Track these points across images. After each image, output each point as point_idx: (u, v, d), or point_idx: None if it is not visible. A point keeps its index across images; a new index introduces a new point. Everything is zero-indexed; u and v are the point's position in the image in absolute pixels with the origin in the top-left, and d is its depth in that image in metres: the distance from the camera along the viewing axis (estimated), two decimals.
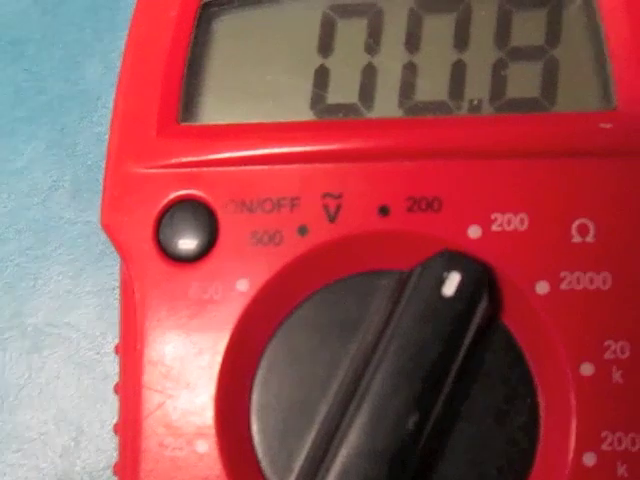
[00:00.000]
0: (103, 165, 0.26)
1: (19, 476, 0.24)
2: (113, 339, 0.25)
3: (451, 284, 0.17)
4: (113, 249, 0.25)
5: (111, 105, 0.26)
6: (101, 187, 0.25)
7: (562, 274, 0.17)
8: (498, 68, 0.19)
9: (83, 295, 0.25)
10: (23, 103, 0.26)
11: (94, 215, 0.25)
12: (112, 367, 0.24)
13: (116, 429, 0.20)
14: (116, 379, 0.20)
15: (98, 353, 0.24)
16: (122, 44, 0.26)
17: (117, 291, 0.25)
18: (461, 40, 0.19)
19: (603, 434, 0.17)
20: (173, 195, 0.19)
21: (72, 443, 0.24)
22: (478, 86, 0.19)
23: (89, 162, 0.26)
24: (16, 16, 0.27)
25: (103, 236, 0.25)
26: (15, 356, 0.25)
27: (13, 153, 0.26)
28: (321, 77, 0.20)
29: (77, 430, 0.24)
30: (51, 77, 0.26)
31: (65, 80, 0.26)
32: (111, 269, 0.25)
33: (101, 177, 0.25)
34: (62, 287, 0.25)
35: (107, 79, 0.26)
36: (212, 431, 0.18)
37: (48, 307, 0.25)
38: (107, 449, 0.24)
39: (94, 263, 0.25)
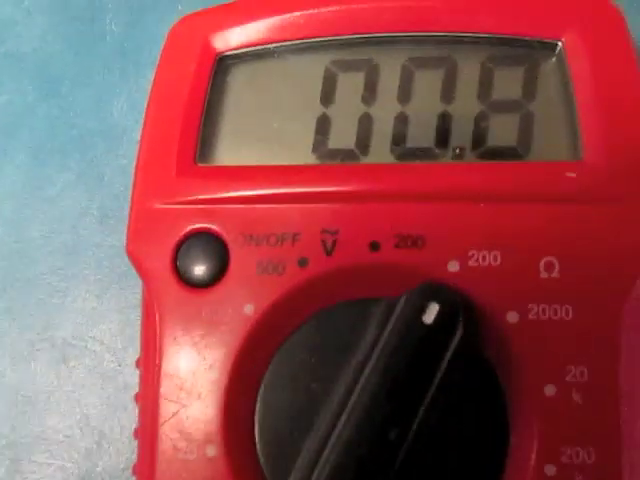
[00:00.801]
0: (128, 194, 0.29)
1: (46, 474, 0.27)
2: (133, 352, 0.27)
3: (431, 313, 0.19)
4: (134, 271, 0.27)
5: (135, 139, 0.29)
6: (126, 214, 0.28)
7: (530, 305, 0.20)
8: (480, 119, 0.22)
9: (107, 312, 0.27)
10: (56, 137, 0.29)
11: (119, 239, 0.28)
12: (132, 378, 0.27)
13: (136, 434, 0.22)
14: (135, 389, 0.23)
15: (119, 365, 0.27)
16: (146, 84, 0.29)
17: (138, 309, 0.27)
18: (447, 93, 0.22)
19: (563, 448, 0.19)
20: (190, 228, 0.21)
21: (95, 446, 0.26)
22: (461, 135, 0.22)
23: (115, 191, 0.28)
24: (52, 57, 0.29)
25: (126, 259, 0.27)
26: (45, 366, 0.27)
27: (46, 182, 0.28)
28: (322, 125, 0.22)
29: (99, 434, 0.26)
30: (82, 113, 0.29)
31: (94, 116, 0.28)
32: (133, 289, 0.27)
33: (126, 205, 0.28)
34: (88, 304, 0.27)
35: (132, 116, 0.28)
36: (220, 437, 0.20)
37: (75, 322, 0.27)
38: (126, 452, 0.26)
39: (117, 283, 0.27)
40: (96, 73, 0.29)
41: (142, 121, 0.28)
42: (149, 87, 0.28)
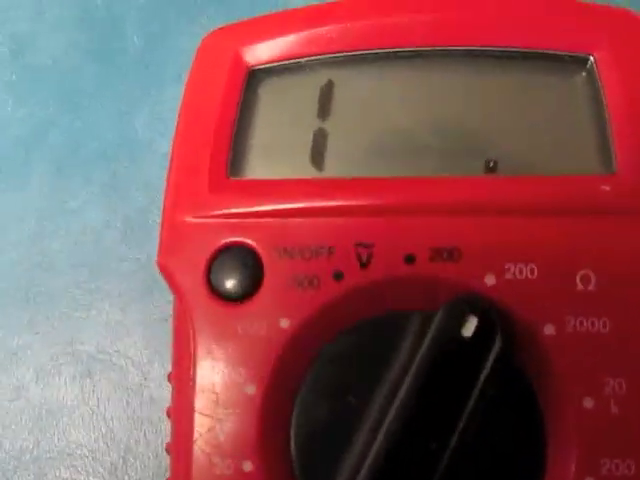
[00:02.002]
0: (151, 207, 0.29)
1: None
2: (159, 366, 0.27)
3: (469, 326, 0.19)
4: (160, 284, 0.27)
5: (159, 153, 0.29)
6: (149, 227, 0.28)
7: (567, 318, 0.20)
8: (511, 133, 0.22)
9: (131, 325, 0.27)
10: (79, 149, 0.29)
11: (143, 252, 0.28)
12: (157, 392, 0.27)
13: (168, 449, 0.22)
14: (161, 403, 0.23)
15: (145, 379, 0.27)
16: (169, 97, 0.29)
17: (163, 323, 0.27)
18: (479, 107, 0.22)
19: (602, 460, 0.19)
20: (223, 242, 0.21)
21: (120, 461, 0.26)
22: (493, 149, 0.22)
23: (139, 204, 0.28)
24: (72, 70, 0.29)
25: (151, 272, 0.27)
26: (69, 380, 0.27)
27: (69, 195, 0.28)
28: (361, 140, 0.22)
29: (125, 449, 0.26)
30: (104, 126, 0.29)
31: (117, 129, 0.29)
32: (157, 302, 0.27)
33: (150, 218, 0.28)
34: (113, 318, 0.27)
35: (155, 128, 0.29)
36: (256, 452, 0.20)
37: (100, 336, 0.27)
38: (152, 467, 0.26)
39: (142, 296, 0.27)
40: (118, 86, 0.29)
41: (165, 134, 0.29)
42: (172, 100, 0.28)
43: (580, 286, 0.20)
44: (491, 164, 0.21)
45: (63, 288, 0.28)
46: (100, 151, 0.29)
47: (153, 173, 0.28)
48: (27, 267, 0.28)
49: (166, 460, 0.22)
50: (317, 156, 0.22)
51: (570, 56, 0.22)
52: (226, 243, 0.21)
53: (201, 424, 0.21)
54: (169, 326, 0.27)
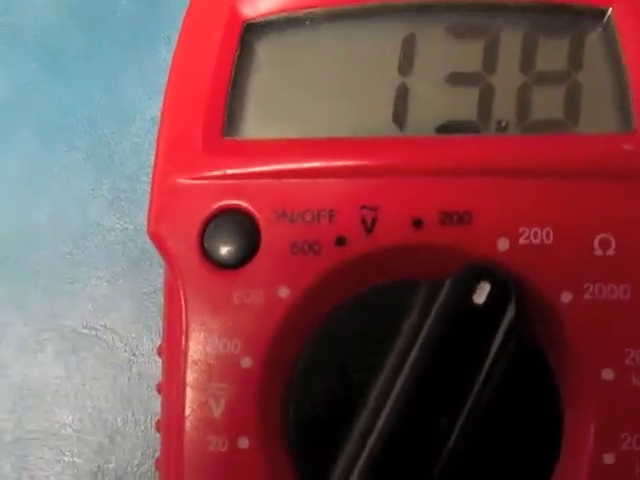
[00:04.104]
0: (140, 175, 0.27)
1: (55, 471, 0.25)
2: (147, 341, 0.26)
3: (481, 293, 0.18)
4: (149, 256, 0.26)
5: (148, 117, 0.27)
6: (138, 196, 0.26)
7: (585, 285, 0.19)
8: (524, 91, 0.21)
9: (119, 299, 0.26)
10: (63, 114, 0.27)
11: (131, 222, 0.26)
12: (146, 368, 0.25)
13: (158, 426, 0.21)
14: (150, 380, 0.21)
15: (133, 354, 0.25)
16: (159, 60, 0.27)
17: (152, 296, 0.26)
18: (489, 64, 0.21)
19: (622, 435, 0.18)
20: (217, 205, 0.20)
21: (107, 440, 0.25)
22: (505, 107, 0.20)
23: (127, 171, 0.26)
24: (56, 30, 0.28)
25: (139, 243, 0.26)
26: (53, 357, 0.26)
27: (53, 162, 0.27)
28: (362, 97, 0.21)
29: (112, 428, 0.25)
30: (90, 90, 0.27)
31: (103, 92, 0.27)
32: (147, 274, 0.26)
33: (139, 186, 0.26)
34: (99, 291, 0.26)
35: (144, 92, 0.27)
36: (253, 428, 0.19)
37: (85, 310, 0.26)
38: (141, 446, 0.25)
39: (130, 268, 0.26)
40: (105, 47, 0.27)
41: (154, 98, 0.27)
42: (162, 62, 0.27)
43: (599, 251, 0.19)
44: (503, 123, 0.20)
45: (46, 260, 0.26)
46: (86, 116, 0.27)
47: (143, 139, 0.26)
48: (8, 238, 0.27)
49: (155, 440, 0.21)
50: (318, 115, 0.21)
51: (587, 8, 0.20)
52: (220, 206, 0.20)
53: (193, 399, 0.19)
54: (158, 299, 0.26)
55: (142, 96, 0.27)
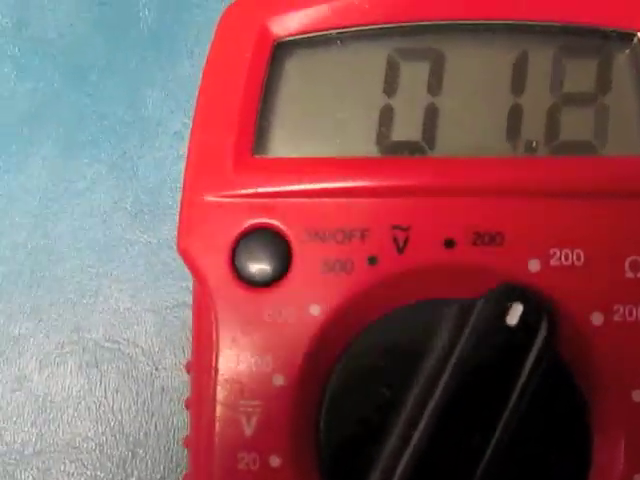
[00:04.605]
0: (163, 188, 0.27)
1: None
2: (170, 355, 0.26)
3: (514, 314, 0.18)
4: (171, 269, 0.26)
5: (171, 131, 0.27)
6: (161, 209, 0.26)
7: (615, 306, 0.19)
8: (552, 112, 0.21)
9: (142, 313, 0.26)
10: (86, 127, 0.27)
11: (154, 236, 0.26)
12: (169, 382, 0.25)
13: (187, 443, 0.21)
14: (172, 394, 0.21)
15: (156, 369, 0.25)
16: (182, 73, 0.27)
17: (174, 309, 0.26)
18: (518, 85, 0.21)
19: None
20: (248, 223, 0.20)
21: (129, 454, 0.25)
22: (533, 128, 0.21)
23: (150, 185, 0.26)
24: (80, 43, 0.28)
25: (162, 256, 0.26)
26: (75, 370, 0.26)
27: (76, 175, 0.27)
28: (386, 115, 0.21)
29: (134, 442, 0.25)
30: (113, 103, 0.27)
31: (127, 106, 0.27)
32: (169, 288, 0.26)
33: (161, 200, 0.27)
34: (122, 304, 0.26)
35: (167, 106, 0.27)
36: (284, 447, 0.19)
37: (108, 323, 0.26)
38: (163, 461, 0.25)
39: (153, 282, 0.26)
40: (128, 61, 0.27)
41: (177, 112, 0.27)
42: (185, 76, 0.27)
43: (630, 273, 0.19)
44: (533, 144, 0.20)
45: (69, 273, 0.26)
46: (109, 129, 0.27)
47: (165, 152, 0.26)
48: (30, 251, 0.27)
49: (178, 454, 0.21)
50: (348, 135, 0.21)
51: (615, 32, 0.21)
52: (252, 225, 0.20)
53: (224, 416, 0.19)
54: (181, 313, 0.26)
55: (165, 110, 0.27)
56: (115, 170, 0.27)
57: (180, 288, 0.25)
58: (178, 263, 0.21)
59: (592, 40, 0.21)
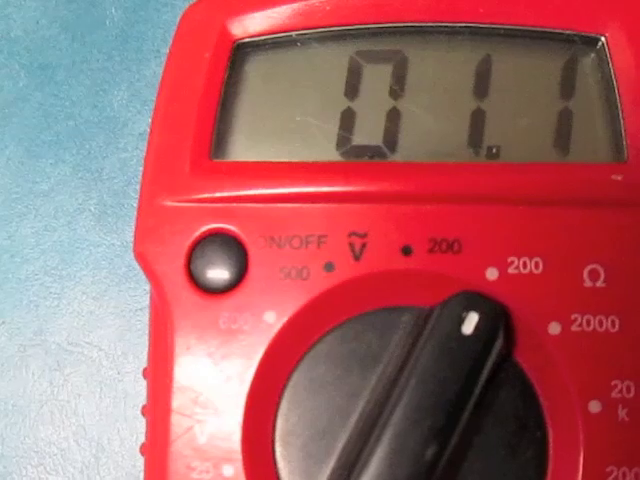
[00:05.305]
0: (128, 190, 0.27)
1: None
2: (134, 359, 0.25)
3: (470, 323, 0.18)
4: (136, 272, 0.26)
5: (136, 132, 0.27)
6: (126, 211, 0.26)
7: (573, 316, 0.18)
8: (515, 117, 0.20)
9: (105, 316, 0.25)
10: (51, 127, 0.27)
11: (118, 238, 0.26)
12: (132, 387, 0.25)
13: (143, 450, 0.20)
14: (136, 399, 0.21)
15: (119, 373, 0.25)
16: (148, 73, 0.27)
17: (138, 313, 0.26)
18: (481, 89, 0.21)
19: (608, 469, 0.18)
20: (205, 228, 0.20)
21: (92, 459, 0.25)
22: (496, 134, 0.20)
23: (115, 187, 0.26)
24: (46, 42, 0.28)
25: (127, 259, 0.26)
26: (37, 373, 0.25)
27: (40, 176, 0.26)
28: (347, 119, 0.21)
29: (97, 447, 0.25)
30: (79, 103, 0.27)
31: (92, 106, 0.27)
32: (134, 291, 0.26)
33: (126, 202, 0.26)
34: (85, 307, 0.26)
35: (133, 106, 0.27)
36: (238, 456, 0.19)
37: (71, 326, 0.26)
38: (126, 466, 0.25)
39: (117, 285, 0.26)
40: (94, 60, 0.27)
41: (143, 112, 0.27)
42: (152, 76, 0.27)
43: (588, 282, 0.19)
44: (494, 150, 0.20)
45: (31, 275, 0.26)
46: (74, 129, 0.27)
47: (131, 153, 0.26)
48: None
49: (141, 460, 0.21)
50: (306, 139, 0.21)
51: (580, 36, 0.20)
52: (208, 230, 0.20)
53: (179, 425, 0.19)
54: (145, 317, 0.25)
55: (131, 110, 0.27)
56: (79, 171, 0.26)
57: (144, 291, 0.25)
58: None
59: (556, 44, 0.21)
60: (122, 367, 0.25)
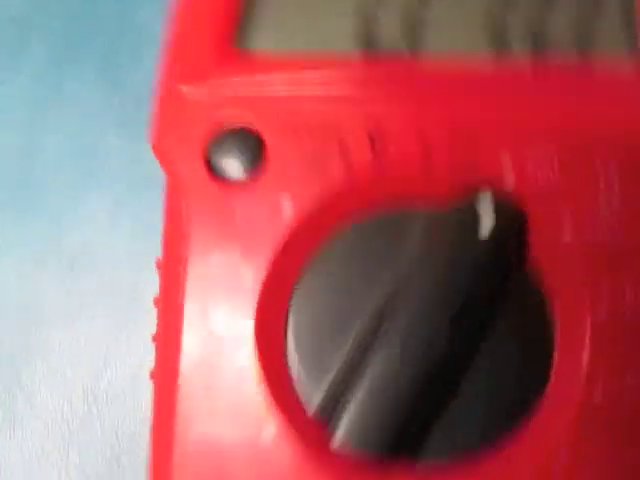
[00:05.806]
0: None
1: (49, 384, 0.25)
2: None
3: (486, 226, 0.18)
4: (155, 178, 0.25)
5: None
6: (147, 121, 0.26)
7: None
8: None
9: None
10: (74, 35, 0.27)
11: (138, 146, 0.26)
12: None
13: (154, 339, 0.20)
14: (145, 303, 0.21)
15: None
16: None
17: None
18: None
19: (613, 372, 0.18)
20: (225, 116, 0.19)
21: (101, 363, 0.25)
22: (514, 28, 0.20)
23: (138, 95, 0.26)
24: None
25: (145, 168, 0.26)
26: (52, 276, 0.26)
27: (63, 83, 0.27)
28: (372, 10, 0.20)
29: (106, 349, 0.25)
30: (104, 13, 0.27)
31: (119, 13, 0.27)
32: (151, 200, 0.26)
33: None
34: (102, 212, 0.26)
35: (161, 14, 0.27)
36: (251, 343, 0.19)
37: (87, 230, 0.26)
38: (133, 365, 0.25)
39: (136, 192, 0.26)
40: None
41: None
42: None
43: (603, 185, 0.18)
44: (515, 42, 0.19)
45: (51, 181, 0.26)
46: (99, 38, 0.27)
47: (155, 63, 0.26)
48: (13, 158, 0.26)
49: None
50: (341, 30, 0.20)
51: None
52: (228, 118, 0.20)
53: (193, 309, 0.19)
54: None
55: (158, 18, 0.26)
56: (102, 79, 0.26)
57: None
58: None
59: None
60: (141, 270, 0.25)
